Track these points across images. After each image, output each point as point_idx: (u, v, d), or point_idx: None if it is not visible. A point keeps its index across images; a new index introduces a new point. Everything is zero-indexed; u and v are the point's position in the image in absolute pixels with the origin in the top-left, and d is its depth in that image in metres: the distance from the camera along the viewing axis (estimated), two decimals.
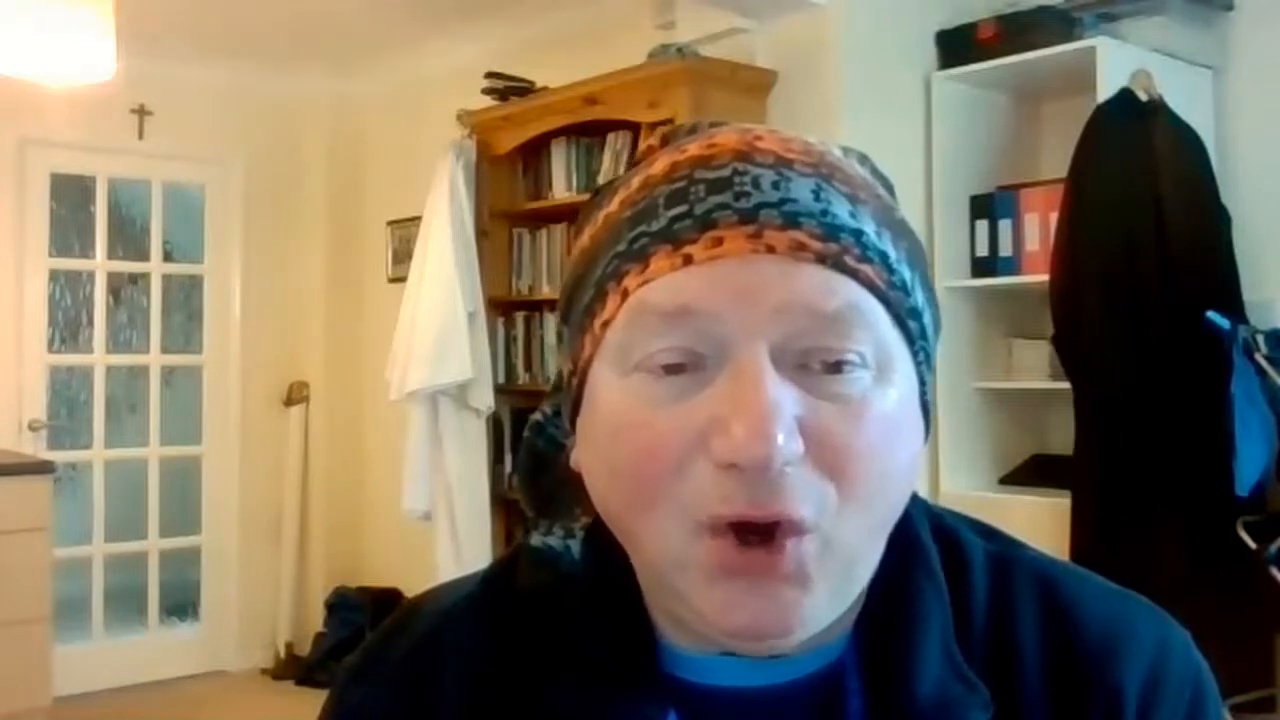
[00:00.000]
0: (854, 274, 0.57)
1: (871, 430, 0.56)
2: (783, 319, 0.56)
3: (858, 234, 0.58)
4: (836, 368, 0.56)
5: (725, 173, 0.58)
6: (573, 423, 0.64)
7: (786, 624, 0.56)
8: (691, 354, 0.56)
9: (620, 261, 0.59)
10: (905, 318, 0.60)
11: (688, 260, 0.57)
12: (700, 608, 0.57)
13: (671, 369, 0.57)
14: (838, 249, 0.57)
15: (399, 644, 0.70)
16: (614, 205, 0.62)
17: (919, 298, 0.61)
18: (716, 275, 0.56)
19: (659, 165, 0.61)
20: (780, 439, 0.53)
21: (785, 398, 0.55)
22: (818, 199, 0.58)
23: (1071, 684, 0.63)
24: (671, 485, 0.56)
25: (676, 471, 0.56)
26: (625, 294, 0.59)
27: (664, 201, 0.59)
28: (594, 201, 0.65)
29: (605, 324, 0.60)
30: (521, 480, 0.73)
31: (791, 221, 0.57)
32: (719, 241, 0.57)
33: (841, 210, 0.58)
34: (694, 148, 0.61)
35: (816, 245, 0.57)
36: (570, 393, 0.64)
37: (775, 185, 0.58)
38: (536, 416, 0.71)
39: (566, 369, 0.65)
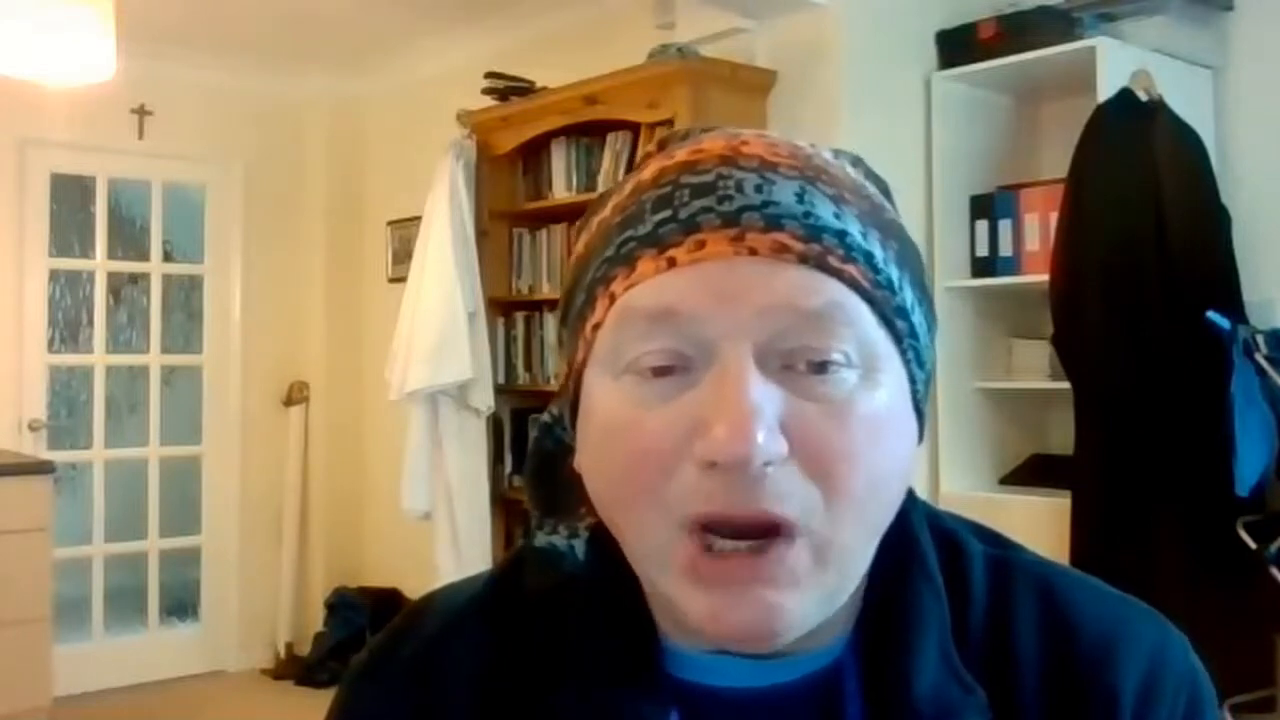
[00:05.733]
0: (837, 274, 0.58)
1: (857, 430, 0.57)
2: (766, 319, 0.56)
3: (841, 235, 0.59)
4: (821, 368, 0.57)
5: (709, 177, 0.59)
6: (573, 425, 0.65)
7: (773, 630, 0.57)
8: (678, 355, 0.57)
9: (609, 266, 0.61)
10: (892, 317, 0.60)
11: (671, 263, 0.58)
12: (686, 613, 0.58)
13: (659, 371, 0.58)
14: (820, 250, 0.58)
15: (407, 644, 0.70)
16: (607, 211, 0.64)
17: (907, 297, 0.61)
18: (699, 277, 0.57)
19: (649, 171, 0.62)
20: (760, 438, 0.54)
21: (767, 398, 0.55)
22: (801, 201, 0.59)
23: (1068, 687, 0.63)
24: (659, 485, 0.57)
25: (664, 472, 0.57)
26: (613, 298, 0.60)
27: (650, 206, 0.60)
28: (593, 208, 0.66)
29: (595, 327, 0.61)
30: (528, 480, 0.74)
31: (774, 223, 0.58)
32: (702, 244, 0.57)
33: (825, 212, 0.59)
34: (682, 153, 0.62)
35: (799, 246, 0.57)
36: (568, 395, 0.65)
37: (758, 188, 0.58)
38: (544, 418, 0.72)
39: (564, 372, 0.66)
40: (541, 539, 0.70)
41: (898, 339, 0.61)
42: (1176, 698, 0.64)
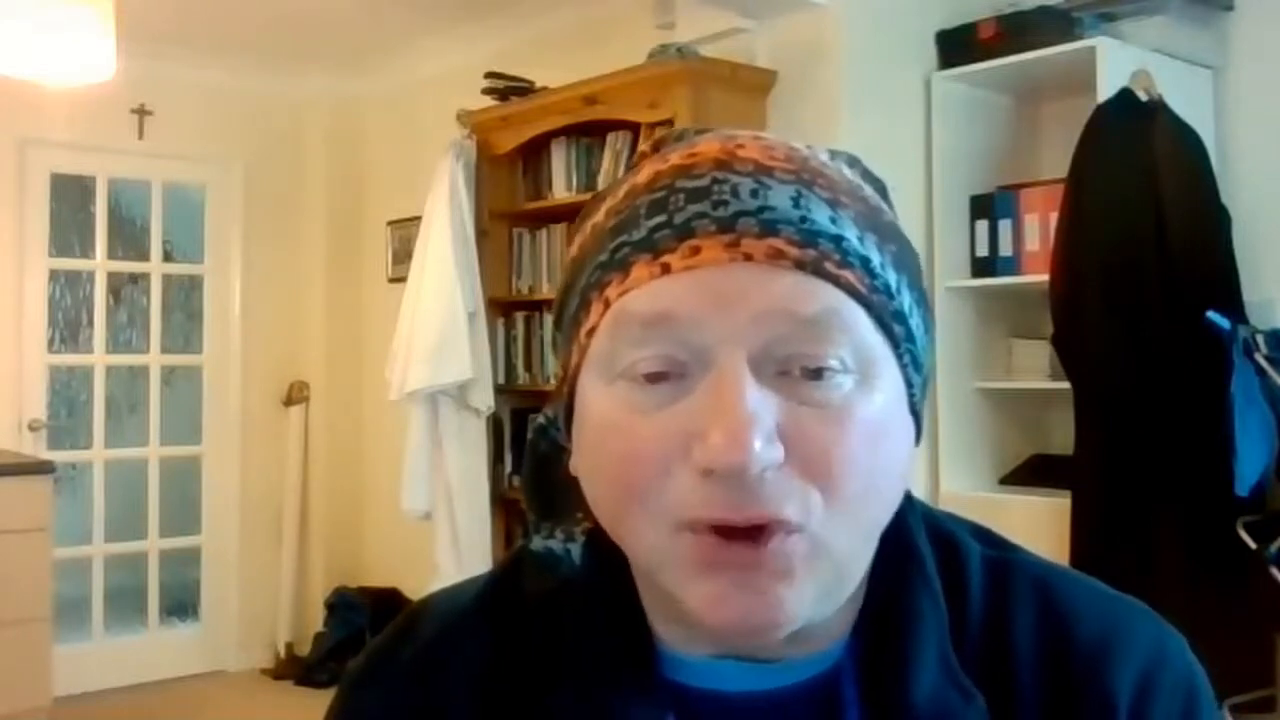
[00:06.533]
0: (834, 279, 0.58)
1: (854, 435, 0.57)
2: (761, 325, 0.56)
3: (838, 240, 0.58)
4: (817, 374, 0.57)
5: (704, 182, 0.59)
6: (568, 429, 0.65)
7: (773, 619, 0.57)
8: (673, 362, 0.57)
9: (603, 271, 0.60)
10: (889, 321, 0.60)
11: (666, 269, 0.58)
12: (688, 603, 0.58)
13: (653, 377, 0.57)
14: (816, 255, 0.57)
15: (406, 647, 0.70)
16: (601, 215, 0.63)
17: (905, 301, 0.61)
18: (694, 282, 0.57)
19: (643, 174, 0.62)
20: (757, 446, 0.54)
21: (763, 405, 0.55)
22: (797, 206, 0.58)
23: (1066, 688, 0.63)
24: (654, 490, 0.57)
25: (658, 477, 0.57)
26: (607, 303, 0.60)
27: (645, 211, 0.59)
28: (586, 210, 0.66)
29: (590, 333, 0.61)
30: (525, 483, 0.74)
31: (769, 229, 0.57)
32: (697, 250, 0.57)
33: (821, 216, 0.58)
34: (676, 156, 0.61)
35: (794, 252, 0.57)
36: (563, 400, 0.65)
37: (754, 193, 0.58)
38: (540, 419, 0.72)
39: (559, 376, 0.66)
40: (538, 543, 0.70)
41: (895, 343, 0.60)
42: (1174, 697, 0.64)
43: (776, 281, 0.57)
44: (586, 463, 0.62)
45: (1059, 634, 0.65)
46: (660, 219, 0.58)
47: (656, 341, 0.57)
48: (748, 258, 0.57)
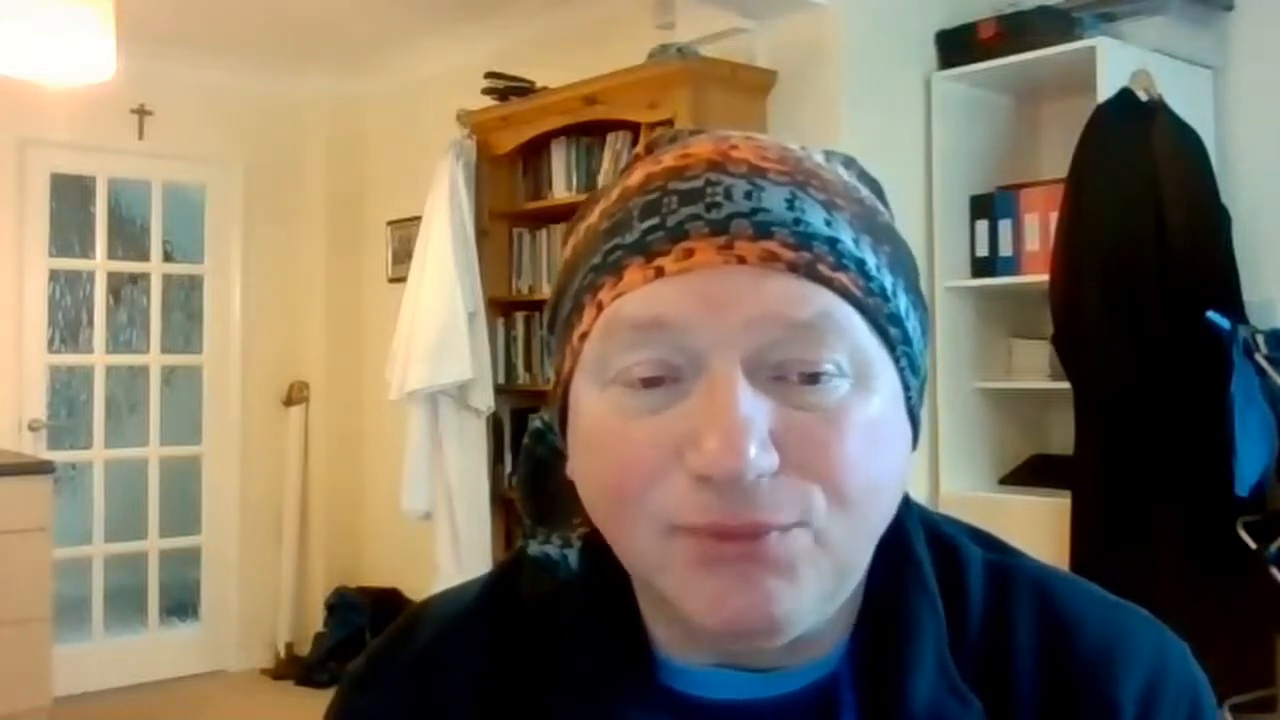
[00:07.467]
0: (828, 282, 0.57)
1: (851, 438, 0.56)
2: (755, 330, 0.56)
3: (832, 242, 0.58)
4: (813, 379, 0.56)
5: (698, 183, 0.58)
6: (563, 432, 0.64)
7: (772, 617, 0.56)
8: (666, 366, 0.56)
9: (595, 274, 0.60)
10: (885, 325, 0.59)
11: (659, 272, 0.57)
12: (686, 606, 0.57)
13: (648, 382, 0.57)
14: (810, 258, 0.57)
15: (404, 650, 0.70)
16: (594, 217, 0.63)
17: (900, 303, 0.60)
18: (688, 286, 0.56)
19: (636, 176, 0.61)
20: (752, 452, 0.53)
21: (758, 410, 0.55)
22: (791, 208, 0.57)
23: (1067, 696, 0.63)
24: (648, 495, 0.56)
25: (652, 483, 0.56)
26: (600, 307, 0.59)
27: (638, 213, 0.59)
28: (580, 212, 0.65)
29: (582, 336, 0.60)
30: (522, 487, 0.73)
31: (763, 231, 0.56)
32: (690, 253, 0.56)
33: (816, 218, 0.58)
34: (669, 158, 0.60)
35: (789, 254, 0.56)
36: (557, 404, 0.64)
37: (748, 195, 0.57)
38: (536, 423, 0.71)
39: (552, 380, 0.65)
40: (535, 548, 0.70)
41: (891, 346, 0.60)
42: (1178, 707, 0.63)
43: (770, 284, 0.56)
44: (581, 467, 0.61)
45: (1060, 640, 0.64)
46: (653, 221, 0.58)
47: (649, 346, 0.56)
48: (741, 260, 0.56)
